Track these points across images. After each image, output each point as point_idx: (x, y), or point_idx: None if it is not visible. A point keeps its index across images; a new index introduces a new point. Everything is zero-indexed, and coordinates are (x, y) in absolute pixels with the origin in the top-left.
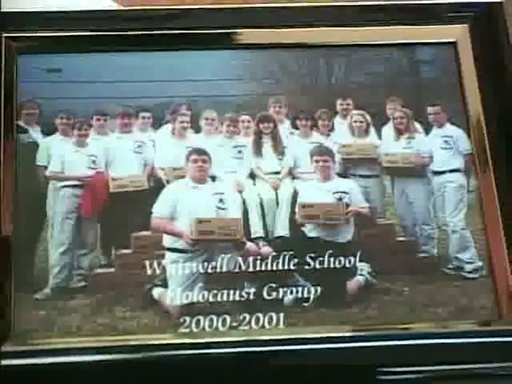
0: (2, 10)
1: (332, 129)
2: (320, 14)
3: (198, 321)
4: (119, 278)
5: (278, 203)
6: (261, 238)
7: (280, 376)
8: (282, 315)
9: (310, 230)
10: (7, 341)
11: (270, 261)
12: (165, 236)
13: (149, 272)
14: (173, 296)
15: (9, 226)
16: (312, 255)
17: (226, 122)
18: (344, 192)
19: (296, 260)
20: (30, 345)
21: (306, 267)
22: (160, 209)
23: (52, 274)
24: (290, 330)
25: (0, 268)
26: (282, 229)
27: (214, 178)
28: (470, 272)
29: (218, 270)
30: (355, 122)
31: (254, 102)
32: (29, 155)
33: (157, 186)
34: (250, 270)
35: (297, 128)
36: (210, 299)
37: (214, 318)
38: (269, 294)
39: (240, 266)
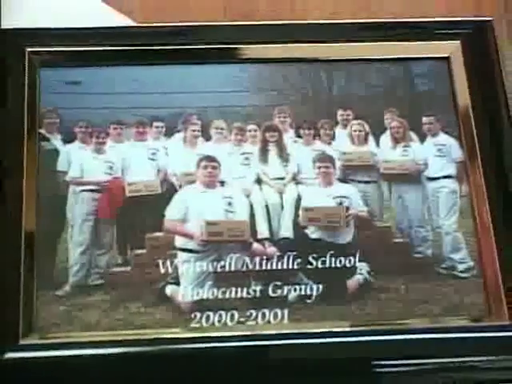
0: (25, 27)
1: (333, 137)
2: (321, 31)
3: (208, 316)
4: (134, 276)
5: (282, 207)
6: (266, 239)
7: (284, 368)
8: (286, 311)
9: (312, 232)
10: (30, 334)
11: (275, 260)
12: (177, 237)
13: (162, 270)
14: (184, 293)
15: (32, 229)
16: (314, 255)
17: (234, 131)
18: (344, 196)
19: (299, 260)
20: (52, 338)
21: (309, 266)
22: (172, 212)
23: (72, 273)
24: (294, 325)
25: (24, 267)
26: (286, 230)
27: (222, 183)
28: (462, 271)
29: (227, 268)
30: (355, 131)
31: (260, 113)
32: (50, 161)
33: (169, 190)
34: (257, 269)
35: (300, 137)
36: (219, 296)
37: (223, 313)
38: (274, 292)
39: (247, 266)
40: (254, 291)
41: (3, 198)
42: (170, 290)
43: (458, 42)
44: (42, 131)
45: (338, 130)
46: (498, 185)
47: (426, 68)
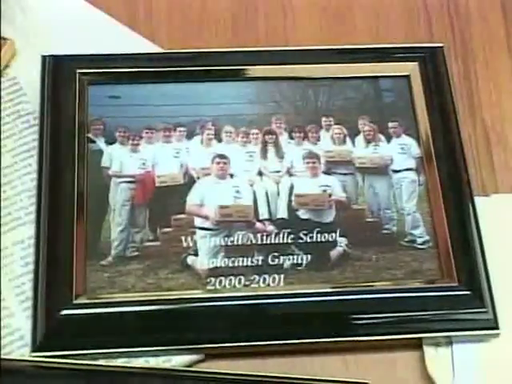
0: (76, 53)
1: (318, 139)
2: (309, 55)
3: (221, 280)
4: (163, 249)
5: (279, 194)
6: (266, 219)
7: (280, 320)
8: (282, 276)
9: (302, 214)
10: (81, 296)
11: (273, 236)
12: (196, 218)
13: (184, 245)
14: (202, 262)
15: (82, 212)
16: (304, 232)
17: (240, 135)
18: (328, 185)
19: (292, 235)
20: (98, 298)
21: (300, 241)
22: (192, 198)
23: (113, 246)
24: (288, 287)
25: (76, 243)
26: (282, 212)
27: (232, 176)
28: (420, 244)
29: (235, 243)
30: (335, 133)
31: (261, 120)
32: (96, 159)
33: (190, 181)
34: (259, 243)
35: (292, 138)
36: (229, 264)
37: (233, 278)
38: (272, 261)
39: (251, 240)
40: (257, 260)
41: (59, 188)
42: (190, 260)
43: (416, 63)
44: (90, 135)
45: (323, 133)
46: (449, 176)
47: (390, 84)
